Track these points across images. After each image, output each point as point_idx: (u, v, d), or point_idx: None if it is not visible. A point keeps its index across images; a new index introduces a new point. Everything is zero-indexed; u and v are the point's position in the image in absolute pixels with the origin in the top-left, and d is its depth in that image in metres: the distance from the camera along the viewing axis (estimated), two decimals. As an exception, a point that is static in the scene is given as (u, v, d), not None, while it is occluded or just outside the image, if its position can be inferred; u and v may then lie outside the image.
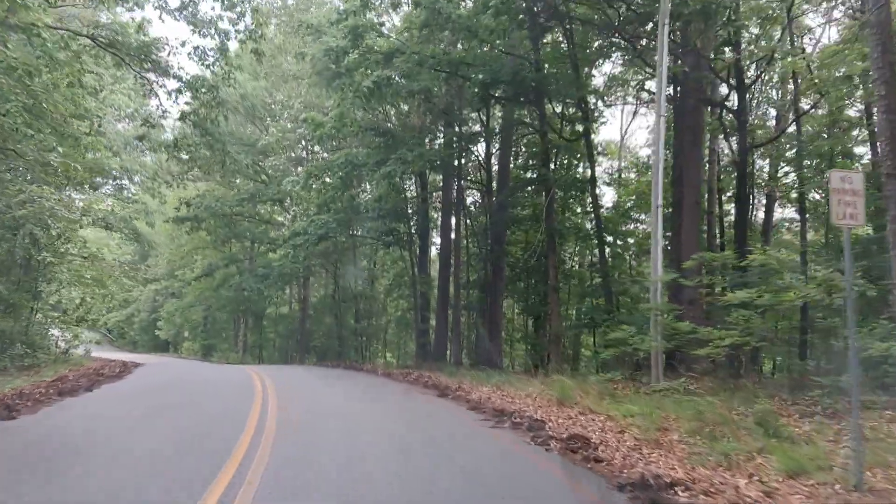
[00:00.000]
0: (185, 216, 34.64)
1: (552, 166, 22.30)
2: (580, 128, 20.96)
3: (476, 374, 17.04)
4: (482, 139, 24.09)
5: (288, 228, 22.43)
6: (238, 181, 35.30)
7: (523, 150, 26.44)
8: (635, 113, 27.61)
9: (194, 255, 42.41)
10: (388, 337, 33.20)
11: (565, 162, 24.83)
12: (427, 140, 23.51)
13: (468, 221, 25.67)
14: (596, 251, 22.37)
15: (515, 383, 14.39)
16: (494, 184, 23.15)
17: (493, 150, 24.53)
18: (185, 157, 32.68)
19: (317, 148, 27.87)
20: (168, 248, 47.88)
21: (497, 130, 24.30)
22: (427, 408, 11.88)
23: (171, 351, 57.24)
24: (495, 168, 23.97)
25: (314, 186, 21.16)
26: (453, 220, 25.40)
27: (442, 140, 24.33)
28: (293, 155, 29.10)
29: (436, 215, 26.74)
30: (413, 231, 26.09)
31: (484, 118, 24.05)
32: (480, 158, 24.76)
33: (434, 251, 29.19)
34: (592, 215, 22.06)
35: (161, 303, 56.08)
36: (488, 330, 21.51)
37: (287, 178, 27.04)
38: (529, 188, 24.41)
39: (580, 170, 25.09)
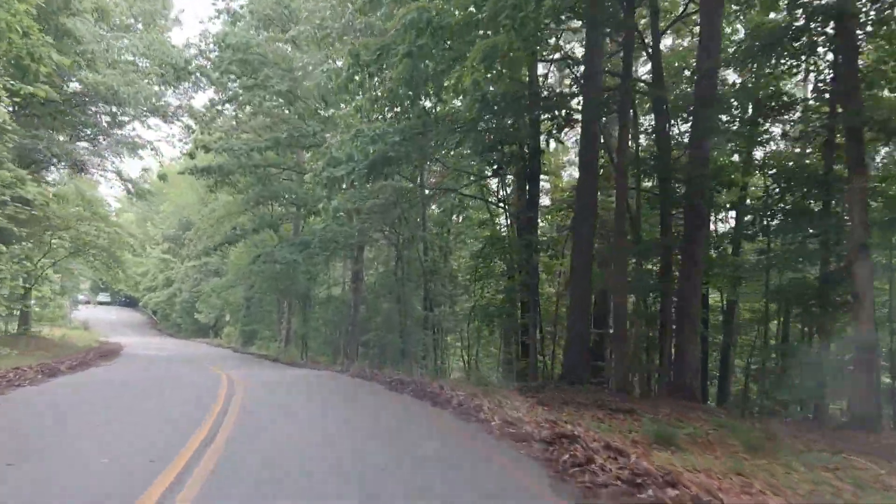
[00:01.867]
0: (207, 167, 26.62)
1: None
2: None
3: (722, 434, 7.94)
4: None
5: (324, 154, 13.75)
6: (269, 122, 26.87)
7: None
8: None
9: (227, 223, 34.53)
10: (468, 332, 23.98)
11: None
12: None
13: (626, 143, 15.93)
14: None
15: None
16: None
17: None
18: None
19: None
20: (198, 214, 40.27)
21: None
22: None
23: (212, 336, 50.18)
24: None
25: (360, 82, 12.18)
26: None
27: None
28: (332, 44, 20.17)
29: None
30: (526, 157, 16.69)
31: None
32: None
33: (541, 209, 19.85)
34: None
35: (198, 281, 48.96)
36: (683, 331, 12.23)
37: (322, 68, 18.37)
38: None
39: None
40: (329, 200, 18.35)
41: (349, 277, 33.27)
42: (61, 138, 23.90)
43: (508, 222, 19.98)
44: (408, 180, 19.28)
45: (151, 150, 27.10)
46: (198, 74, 25.76)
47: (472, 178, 19.44)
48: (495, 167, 16.85)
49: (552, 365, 19.23)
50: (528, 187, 17.29)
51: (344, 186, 14.56)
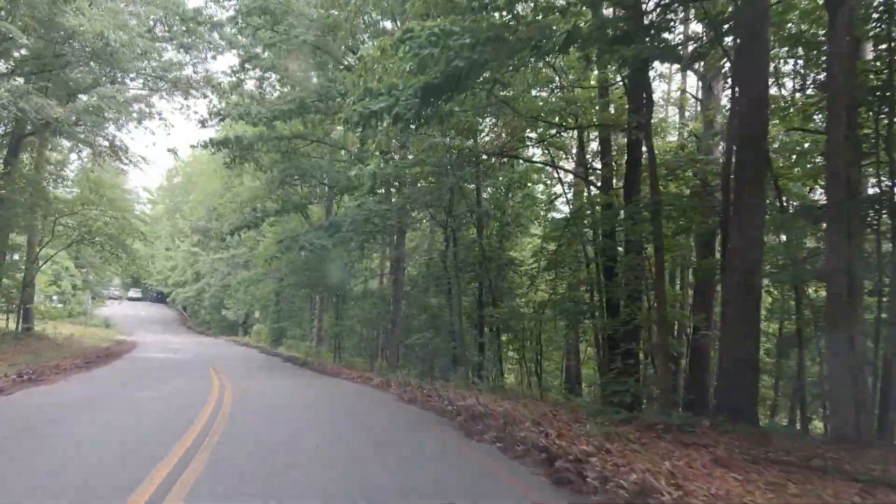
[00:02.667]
0: (223, 139, 22.78)
1: None
2: None
3: None
4: None
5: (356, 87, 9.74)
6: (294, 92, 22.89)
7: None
8: None
9: (250, 208, 30.81)
10: (530, 335, 19.53)
11: None
12: None
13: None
14: None
15: None
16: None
17: None
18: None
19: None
20: (221, 200, 36.73)
21: None
22: None
23: (241, 334, 46.79)
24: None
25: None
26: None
27: None
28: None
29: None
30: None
31: None
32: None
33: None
34: None
35: (226, 275, 45.56)
36: None
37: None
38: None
39: None
40: (363, 166, 14.29)
41: (388, 268, 29.23)
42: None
43: (591, 193, 15.50)
44: (462, 138, 14.91)
45: (160, 119, 23.48)
46: (209, 28, 21.86)
47: (552, 133, 14.95)
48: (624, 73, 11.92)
49: (641, 382, 14.78)
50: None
51: (384, 126, 10.30)
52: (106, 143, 22.77)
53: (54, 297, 43.40)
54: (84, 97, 19.45)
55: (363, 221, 19.02)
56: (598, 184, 15.86)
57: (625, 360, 12.47)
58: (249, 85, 25.55)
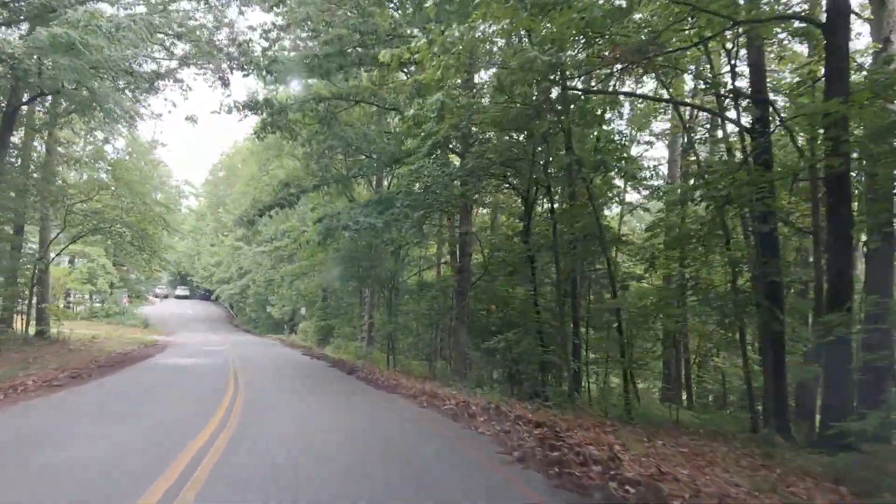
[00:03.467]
0: (252, 101, 18.98)
1: None
2: None
3: None
4: None
5: None
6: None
7: None
8: None
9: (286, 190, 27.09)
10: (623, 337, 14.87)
11: None
12: None
13: None
14: None
15: None
16: None
17: None
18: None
19: None
20: (257, 184, 33.06)
21: None
22: None
23: (286, 332, 43.38)
24: None
25: None
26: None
27: None
28: None
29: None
30: None
31: None
32: None
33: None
34: None
35: (268, 270, 42.14)
36: None
37: None
38: None
39: None
40: (421, 101, 10.07)
41: (445, 256, 24.96)
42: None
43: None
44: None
45: (175, 82, 19.75)
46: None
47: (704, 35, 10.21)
48: None
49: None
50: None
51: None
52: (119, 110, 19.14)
53: (86, 296, 40.85)
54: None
55: (422, 192, 14.80)
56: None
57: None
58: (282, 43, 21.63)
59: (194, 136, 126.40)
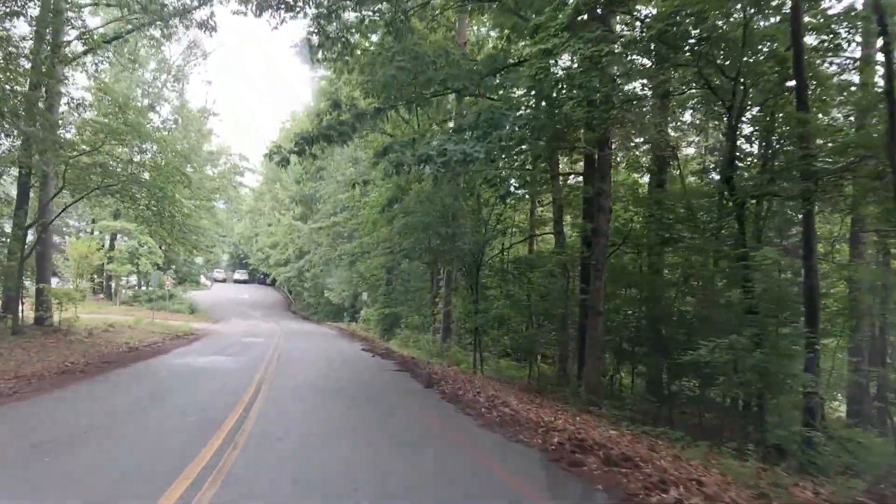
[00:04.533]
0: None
1: None
2: None
3: None
4: None
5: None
6: None
7: None
8: None
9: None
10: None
11: None
12: None
13: None
14: None
15: None
16: None
17: None
18: None
19: None
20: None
21: None
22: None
23: (347, 320, 38.32)
24: None
25: None
26: None
27: None
28: None
29: None
30: None
31: None
32: None
33: None
34: None
35: (326, 249, 37.09)
36: None
37: None
38: None
39: None
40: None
41: (549, 217, 18.90)
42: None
43: None
44: None
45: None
46: None
47: None
48: None
49: None
50: None
51: None
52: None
53: (130, 279, 36.84)
54: None
55: (558, 98, 8.86)
56: None
57: None
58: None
59: (249, 112, 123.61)
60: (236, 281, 68.68)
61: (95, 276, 38.00)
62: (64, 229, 37.83)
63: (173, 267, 43.33)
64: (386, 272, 32.16)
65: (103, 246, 36.90)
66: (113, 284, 36.75)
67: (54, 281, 35.48)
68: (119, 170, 16.97)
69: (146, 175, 17.59)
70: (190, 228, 43.96)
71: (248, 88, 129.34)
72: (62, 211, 17.72)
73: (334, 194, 34.58)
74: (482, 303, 17.31)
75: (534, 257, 15.91)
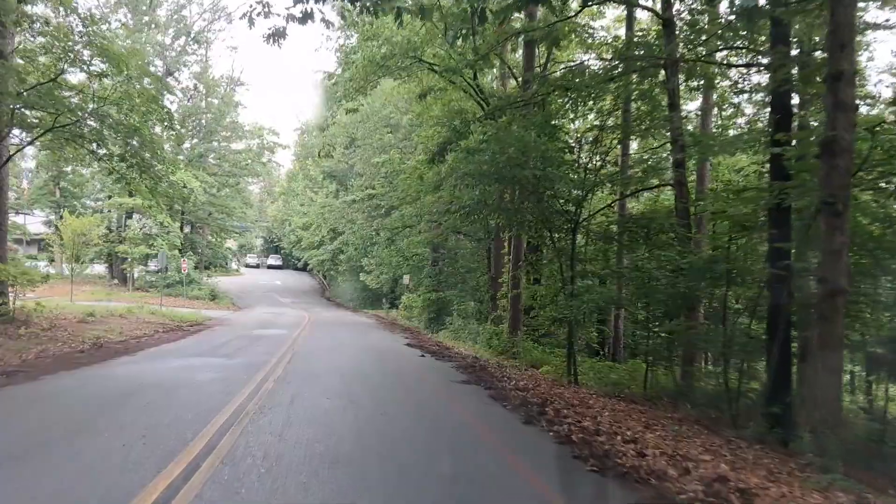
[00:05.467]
0: None
1: None
2: None
3: None
4: None
5: None
6: None
7: None
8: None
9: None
10: None
11: None
12: None
13: None
14: None
15: None
16: None
17: None
18: None
19: None
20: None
21: None
22: None
23: (387, 307, 33.52)
24: None
25: None
26: None
27: None
28: None
29: None
30: None
31: None
32: None
33: None
34: None
35: (359, 224, 32.32)
36: None
37: None
38: None
39: None
40: None
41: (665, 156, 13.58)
42: None
43: None
44: None
45: None
46: None
47: None
48: None
49: None
50: None
51: None
52: None
53: (152, 264, 32.67)
54: None
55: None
56: None
57: None
58: None
59: (279, 82, 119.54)
60: (270, 266, 64.80)
61: (99, 259, 34.00)
62: (80, 210, 33.92)
63: (199, 251, 39.21)
64: (431, 250, 27.26)
65: (110, 226, 32.84)
66: (126, 269, 32.65)
67: (46, 266, 31.79)
68: (75, 100, 12.30)
69: (113, 112, 12.88)
70: (216, 207, 40.06)
71: (276, 55, 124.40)
72: (7, 161, 13.14)
73: (369, 160, 29.71)
74: (578, 282, 12.18)
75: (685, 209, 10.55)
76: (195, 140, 38.77)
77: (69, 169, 32.95)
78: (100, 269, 36.77)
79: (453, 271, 25.89)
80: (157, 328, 16.65)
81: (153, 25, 35.26)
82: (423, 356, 14.16)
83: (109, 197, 33.95)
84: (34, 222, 37.56)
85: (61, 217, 25.94)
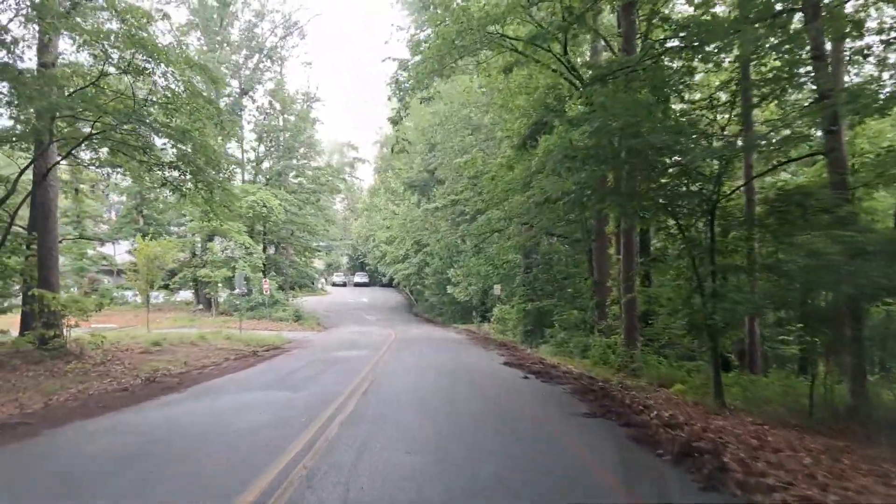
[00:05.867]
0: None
1: None
2: None
3: None
4: None
5: None
6: None
7: None
8: None
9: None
10: None
11: None
12: None
13: None
14: None
15: None
16: None
17: None
18: None
19: None
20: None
21: None
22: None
23: (477, 321, 31.20)
24: None
25: None
26: None
27: None
28: None
29: None
30: None
31: None
32: None
33: None
34: None
35: (444, 232, 30.27)
36: None
37: None
38: None
39: None
40: None
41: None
42: None
43: None
44: None
45: None
46: None
47: None
48: None
49: None
50: None
51: None
52: None
53: (224, 287, 31.88)
54: None
55: None
56: None
57: None
58: None
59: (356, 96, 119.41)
60: (357, 284, 64.13)
61: (185, 285, 33.60)
62: (164, 236, 33.78)
63: (283, 271, 38.40)
64: (523, 256, 24.78)
65: (194, 250, 32.38)
66: (210, 293, 32.02)
67: (134, 295, 31.44)
68: (115, 105, 10.82)
69: (160, 115, 11.34)
70: (297, 226, 39.22)
71: (352, 67, 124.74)
72: (48, 171, 11.87)
73: (450, 164, 27.69)
74: (721, 281, 9.43)
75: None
76: (273, 159, 38.17)
77: (153, 196, 32.72)
78: (186, 295, 36.63)
79: (549, 278, 23.28)
80: (229, 355, 15.09)
81: (225, 45, 34.90)
82: (526, 377, 11.75)
83: (191, 220, 33.62)
84: (121, 252, 37.98)
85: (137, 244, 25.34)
